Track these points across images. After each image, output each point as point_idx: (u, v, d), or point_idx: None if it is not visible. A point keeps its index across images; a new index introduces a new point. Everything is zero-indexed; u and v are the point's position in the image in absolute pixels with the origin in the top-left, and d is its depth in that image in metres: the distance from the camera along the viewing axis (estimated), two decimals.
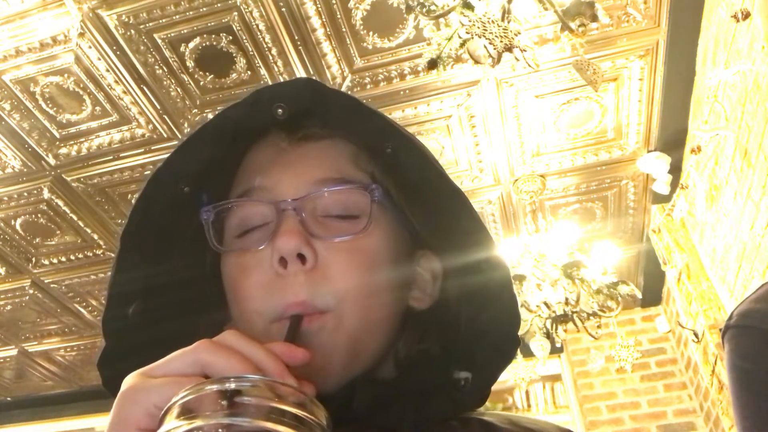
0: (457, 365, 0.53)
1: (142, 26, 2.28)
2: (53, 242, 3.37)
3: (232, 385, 0.32)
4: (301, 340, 0.46)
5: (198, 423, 0.30)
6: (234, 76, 2.48)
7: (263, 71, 2.45)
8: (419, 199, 0.56)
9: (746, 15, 1.92)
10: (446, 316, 0.56)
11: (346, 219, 0.52)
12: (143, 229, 0.53)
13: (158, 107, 2.59)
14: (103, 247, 3.41)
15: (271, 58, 2.39)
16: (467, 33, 1.69)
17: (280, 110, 0.54)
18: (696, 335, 3.05)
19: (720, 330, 0.81)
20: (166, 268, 0.55)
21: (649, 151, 2.92)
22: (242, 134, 0.56)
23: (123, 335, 0.53)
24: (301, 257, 0.49)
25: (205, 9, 2.22)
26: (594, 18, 1.74)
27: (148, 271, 0.54)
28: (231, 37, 2.33)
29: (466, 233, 0.54)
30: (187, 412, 0.31)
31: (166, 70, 2.44)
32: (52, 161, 2.83)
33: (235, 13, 2.24)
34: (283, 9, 2.22)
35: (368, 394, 0.48)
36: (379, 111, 0.54)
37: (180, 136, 2.72)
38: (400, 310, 0.55)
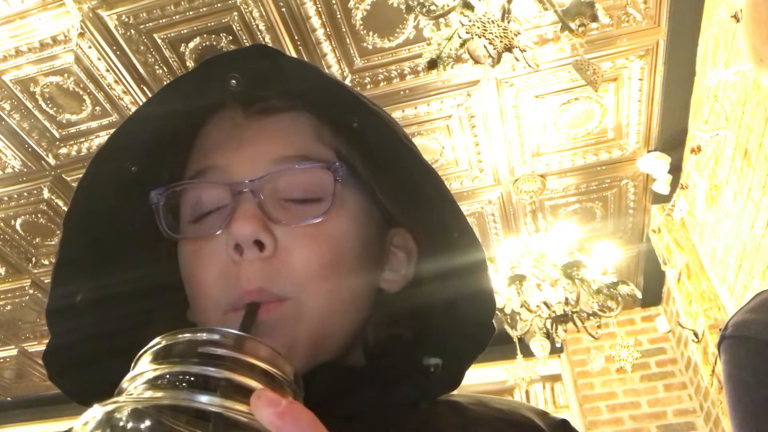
0: (427, 351, 0.50)
1: (142, 26, 2.28)
2: (53, 242, 3.37)
3: (204, 336, 0.32)
4: (258, 330, 0.43)
5: (167, 369, 0.30)
6: None
7: None
8: (389, 176, 0.52)
9: None
10: (419, 299, 0.53)
11: (308, 201, 0.48)
12: (88, 212, 0.49)
13: None
14: None
15: None
16: (467, 33, 1.69)
17: (233, 81, 0.49)
18: (696, 335, 3.05)
19: (720, 330, 0.81)
20: (117, 253, 0.51)
21: (649, 151, 2.92)
22: (194, 108, 0.52)
23: (70, 326, 0.49)
24: (259, 244, 0.45)
25: (205, 9, 2.22)
26: (594, 18, 1.74)
27: (96, 257, 0.50)
28: (231, 37, 2.32)
29: (439, 212, 0.51)
30: (159, 358, 0.32)
31: (166, 70, 2.44)
32: (52, 161, 2.82)
33: (235, 13, 2.24)
34: (283, 9, 2.22)
35: (327, 382, 0.46)
36: (343, 82, 0.51)
37: None
38: (370, 294, 0.52)
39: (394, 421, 0.47)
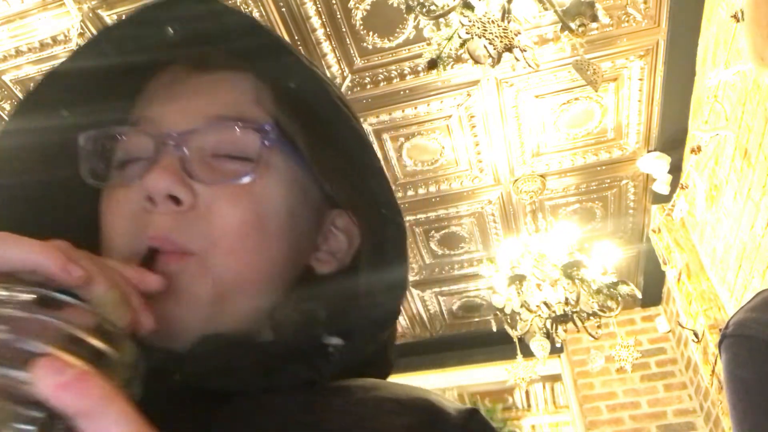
0: (333, 332, 0.46)
1: None
2: None
3: (29, 297, 0.27)
4: None
5: None
6: None
7: None
8: (325, 148, 0.50)
9: None
10: (349, 284, 0.50)
11: (235, 163, 0.47)
12: (16, 156, 0.47)
13: None
14: None
15: None
16: (467, 33, 1.69)
17: (170, 29, 0.48)
18: (696, 335, 3.05)
19: (720, 330, 0.81)
20: (42, 199, 0.49)
21: (649, 151, 2.92)
22: (131, 56, 0.49)
23: None
24: (174, 199, 0.43)
25: None
26: (594, 18, 1.74)
27: (20, 200, 0.47)
28: None
29: (369, 185, 0.49)
30: None
31: None
32: None
33: None
34: (283, 9, 2.22)
35: (216, 352, 0.42)
36: (286, 41, 0.49)
37: None
38: (293, 269, 0.50)
39: (274, 403, 0.43)
